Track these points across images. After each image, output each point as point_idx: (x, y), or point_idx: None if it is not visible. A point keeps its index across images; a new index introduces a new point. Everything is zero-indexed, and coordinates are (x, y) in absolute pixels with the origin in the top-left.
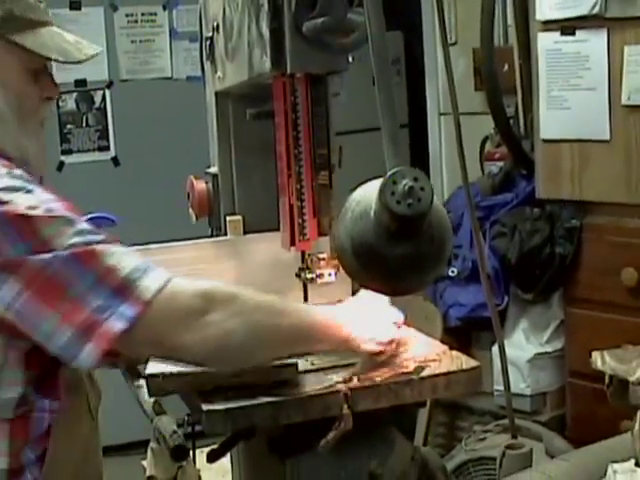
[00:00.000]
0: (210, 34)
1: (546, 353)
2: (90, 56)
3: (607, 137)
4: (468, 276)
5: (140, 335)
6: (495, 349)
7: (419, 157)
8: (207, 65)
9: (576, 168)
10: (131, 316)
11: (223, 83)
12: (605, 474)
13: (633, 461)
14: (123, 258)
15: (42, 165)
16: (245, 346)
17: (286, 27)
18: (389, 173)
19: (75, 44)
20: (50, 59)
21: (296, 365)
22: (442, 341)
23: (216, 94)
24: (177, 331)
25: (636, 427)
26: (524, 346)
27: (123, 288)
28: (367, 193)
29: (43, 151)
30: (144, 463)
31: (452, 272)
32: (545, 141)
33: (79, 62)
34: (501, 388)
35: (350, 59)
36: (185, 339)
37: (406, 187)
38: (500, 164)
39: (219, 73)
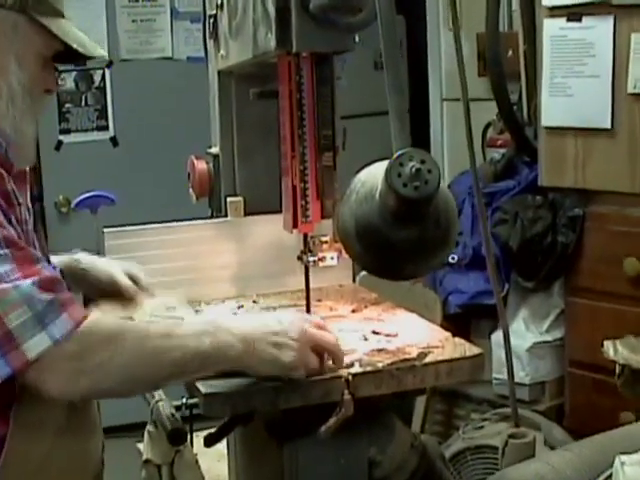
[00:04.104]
0: (214, 12)
1: (546, 342)
2: (100, 56)
3: (608, 125)
4: (468, 263)
5: (23, 384)
6: (494, 337)
7: (420, 143)
8: (210, 43)
9: (580, 156)
10: (6, 373)
11: (226, 61)
12: (609, 465)
13: None
14: (16, 307)
15: (32, 154)
16: (119, 384)
17: (292, 5)
18: (396, 154)
19: (89, 41)
20: (71, 47)
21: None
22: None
23: (219, 73)
24: (54, 385)
25: None
26: (524, 334)
27: (5, 341)
28: (372, 174)
29: (35, 142)
30: (139, 446)
31: (452, 259)
32: (547, 128)
33: (92, 58)
34: (500, 377)
35: (357, 39)
36: (61, 391)
37: (413, 169)
38: (502, 151)
39: (222, 51)
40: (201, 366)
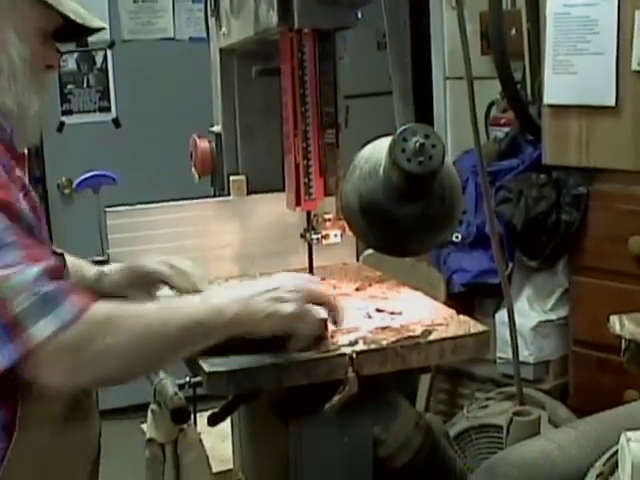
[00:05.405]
0: None
1: (550, 321)
2: (99, 27)
3: (612, 103)
4: (472, 242)
5: (24, 375)
6: (498, 316)
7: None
8: (212, 21)
9: (584, 134)
10: (13, 358)
11: (228, 39)
12: (614, 442)
13: None
14: (22, 291)
15: (36, 132)
16: (124, 366)
17: None
18: (400, 129)
19: (87, 13)
20: (68, 18)
21: (325, 320)
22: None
23: (221, 51)
24: (59, 374)
25: None
26: (528, 313)
27: (12, 326)
28: (376, 150)
29: (40, 119)
30: (143, 426)
31: (456, 237)
32: (550, 106)
33: (90, 30)
34: (504, 356)
35: (359, 15)
36: (61, 383)
37: (417, 144)
38: (506, 129)
39: (224, 29)
40: (203, 334)
